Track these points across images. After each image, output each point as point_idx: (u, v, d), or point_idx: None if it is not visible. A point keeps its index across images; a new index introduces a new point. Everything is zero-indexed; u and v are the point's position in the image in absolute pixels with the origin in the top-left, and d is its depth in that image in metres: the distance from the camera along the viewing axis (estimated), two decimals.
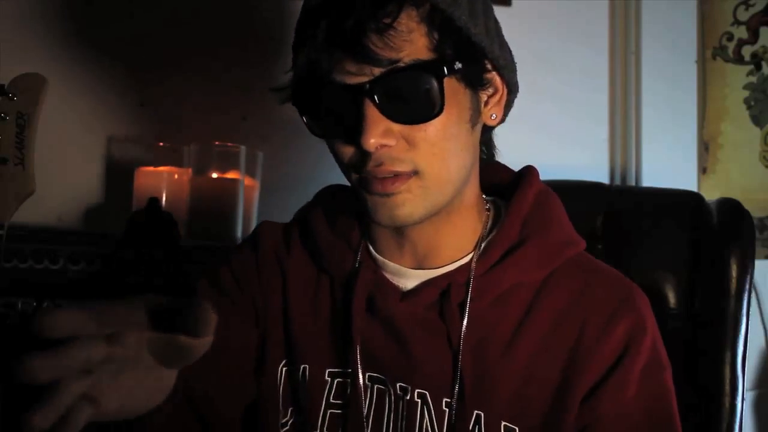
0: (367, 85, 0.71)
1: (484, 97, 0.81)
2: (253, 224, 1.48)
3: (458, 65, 0.74)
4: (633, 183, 1.74)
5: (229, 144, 1.43)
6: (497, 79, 0.82)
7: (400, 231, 0.83)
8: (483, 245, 0.84)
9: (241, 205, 1.41)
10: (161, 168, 1.42)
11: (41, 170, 0.82)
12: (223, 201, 1.38)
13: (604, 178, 1.76)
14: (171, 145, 1.45)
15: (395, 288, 0.84)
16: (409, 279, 0.84)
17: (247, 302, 0.90)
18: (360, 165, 0.75)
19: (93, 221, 1.51)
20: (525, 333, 0.80)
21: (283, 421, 0.86)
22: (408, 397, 0.81)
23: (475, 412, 0.79)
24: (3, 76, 0.83)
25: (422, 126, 0.74)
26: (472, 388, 0.79)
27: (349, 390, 0.83)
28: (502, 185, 0.91)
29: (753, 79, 1.81)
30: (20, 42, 1.48)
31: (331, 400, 0.84)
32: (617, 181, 1.76)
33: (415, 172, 0.75)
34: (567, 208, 0.96)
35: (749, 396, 1.80)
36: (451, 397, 0.79)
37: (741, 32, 1.82)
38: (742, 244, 1.11)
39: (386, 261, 0.85)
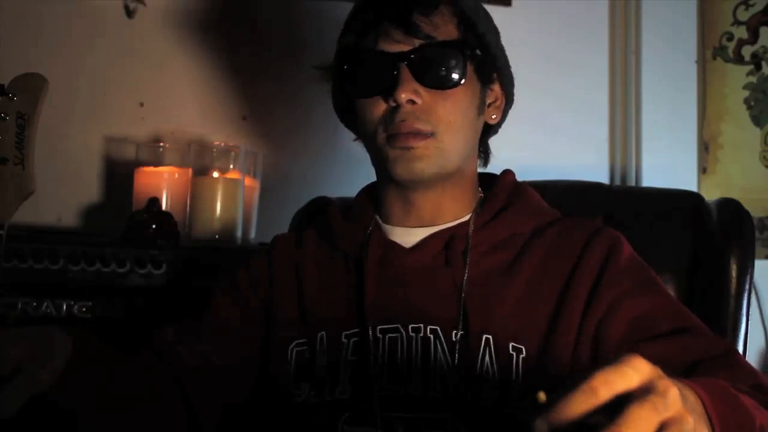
0: (408, 54, 0.90)
1: (487, 101, 0.99)
2: (253, 224, 1.48)
3: (478, 52, 0.94)
4: (633, 183, 1.74)
5: (229, 144, 1.44)
6: (499, 89, 1.00)
7: (407, 198, 0.97)
8: (479, 209, 0.99)
9: (241, 205, 1.41)
10: (161, 168, 1.42)
11: (41, 170, 0.82)
12: (223, 201, 1.38)
13: (604, 178, 1.76)
14: (171, 145, 1.45)
15: (403, 246, 0.96)
16: (416, 236, 0.97)
17: (257, 301, 1.01)
18: (388, 121, 0.91)
19: (93, 221, 1.52)
20: (521, 265, 0.93)
21: (297, 394, 0.93)
22: (422, 335, 0.91)
23: (484, 336, 0.89)
24: (3, 76, 0.83)
25: (443, 95, 0.91)
26: (478, 317, 0.90)
27: (362, 343, 0.92)
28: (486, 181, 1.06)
29: (753, 79, 1.81)
30: (20, 42, 1.48)
31: (349, 358, 0.92)
32: (617, 181, 1.76)
33: (433, 134, 0.91)
34: (567, 208, 1.01)
35: None
36: (459, 328, 0.90)
37: (741, 32, 1.82)
38: (742, 244, 1.12)
39: (394, 227, 0.99)
